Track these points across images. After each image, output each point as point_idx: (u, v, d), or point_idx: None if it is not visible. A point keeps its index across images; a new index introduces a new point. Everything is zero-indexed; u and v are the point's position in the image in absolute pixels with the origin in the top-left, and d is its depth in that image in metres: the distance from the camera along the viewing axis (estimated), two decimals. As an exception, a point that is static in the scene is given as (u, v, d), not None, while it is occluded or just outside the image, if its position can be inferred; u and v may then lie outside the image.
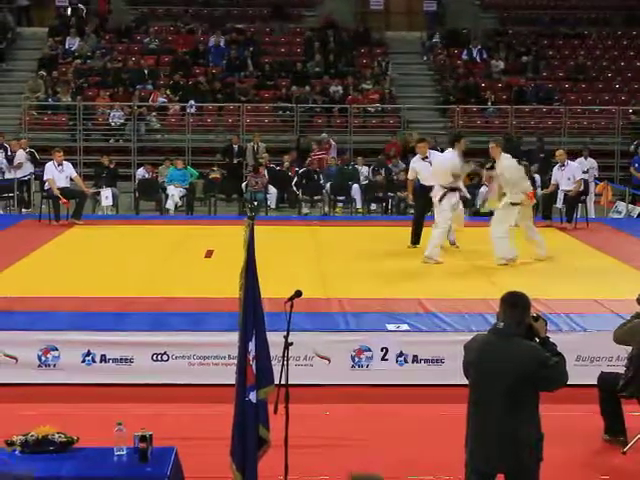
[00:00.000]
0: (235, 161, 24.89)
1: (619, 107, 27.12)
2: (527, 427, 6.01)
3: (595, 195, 21.84)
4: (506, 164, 14.36)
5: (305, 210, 22.67)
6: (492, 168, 14.70)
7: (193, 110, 27.10)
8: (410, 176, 16.22)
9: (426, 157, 15.63)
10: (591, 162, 22.86)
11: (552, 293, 12.23)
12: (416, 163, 15.83)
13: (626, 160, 24.79)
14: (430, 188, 15.05)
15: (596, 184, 21.84)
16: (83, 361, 10.14)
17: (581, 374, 9.19)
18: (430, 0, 32.27)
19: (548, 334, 6.23)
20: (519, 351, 6.03)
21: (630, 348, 8.52)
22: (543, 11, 32.48)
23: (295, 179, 23.10)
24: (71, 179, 18.66)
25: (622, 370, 8.61)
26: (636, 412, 8.53)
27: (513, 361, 5.99)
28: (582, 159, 21.98)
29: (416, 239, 15.75)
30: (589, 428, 8.77)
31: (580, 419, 9.06)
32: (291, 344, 6.83)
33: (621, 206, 21.96)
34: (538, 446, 6.07)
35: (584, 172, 19.84)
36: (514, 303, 6.16)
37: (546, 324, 6.27)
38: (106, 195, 20.86)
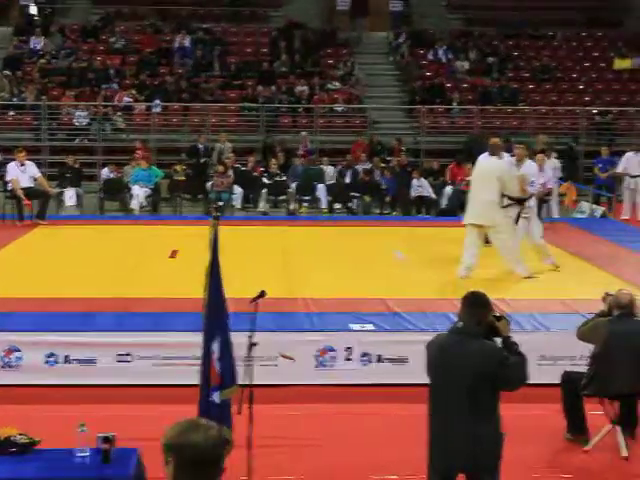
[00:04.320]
0: (201, 161, 24.81)
1: (583, 108, 27.30)
2: (487, 426, 6.03)
3: (559, 195, 21.95)
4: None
5: (262, 205, 22.59)
6: None
7: (158, 110, 26.96)
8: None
9: None
10: (554, 162, 22.94)
11: (516, 293, 12.29)
12: None
13: (589, 160, 24.92)
14: None
15: (560, 184, 21.94)
16: (46, 362, 10.09)
17: (544, 373, 9.29)
18: (396, 0, 32.31)
19: (512, 334, 6.27)
20: (478, 350, 6.05)
21: (592, 346, 8.58)
22: (509, 12, 32.62)
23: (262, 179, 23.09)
24: (35, 179, 18.54)
25: (585, 369, 8.67)
26: (598, 411, 8.57)
27: (472, 360, 6.01)
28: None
29: None
30: (551, 427, 8.82)
31: (543, 418, 9.12)
32: (255, 344, 6.82)
33: (585, 206, 22.11)
34: (498, 445, 6.09)
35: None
36: (474, 302, 6.20)
37: (509, 323, 6.31)
38: (70, 195, 20.77)
